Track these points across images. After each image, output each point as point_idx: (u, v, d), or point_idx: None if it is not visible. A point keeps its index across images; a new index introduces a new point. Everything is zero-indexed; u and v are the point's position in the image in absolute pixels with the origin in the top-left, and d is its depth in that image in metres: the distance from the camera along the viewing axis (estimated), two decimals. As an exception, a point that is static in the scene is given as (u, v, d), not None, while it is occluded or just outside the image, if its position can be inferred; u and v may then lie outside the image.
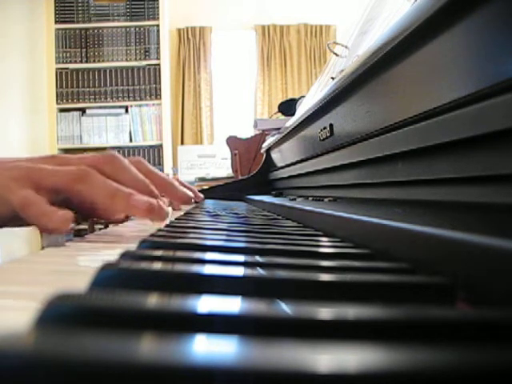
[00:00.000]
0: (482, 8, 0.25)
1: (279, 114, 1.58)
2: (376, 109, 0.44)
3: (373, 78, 0.43)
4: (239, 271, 0.18)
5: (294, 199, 0.74)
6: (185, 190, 0.50)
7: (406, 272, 0.21)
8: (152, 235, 0.34)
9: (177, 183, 0.50)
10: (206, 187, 1.44)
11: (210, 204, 1.02)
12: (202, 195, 0.64)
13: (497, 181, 0.26)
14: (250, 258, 0.22)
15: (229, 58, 4.16)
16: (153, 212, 0.39)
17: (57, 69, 3.35)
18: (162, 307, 0.12)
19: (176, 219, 0.53)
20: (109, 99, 3.39)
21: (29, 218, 0.37)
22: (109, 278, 0.17)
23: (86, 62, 3.39)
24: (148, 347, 0.09)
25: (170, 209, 0.68)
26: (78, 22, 3.37)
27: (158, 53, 3.40)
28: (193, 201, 0.52)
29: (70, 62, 3.38)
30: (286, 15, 4.01)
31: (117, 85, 3.39)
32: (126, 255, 0.22)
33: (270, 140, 1.21)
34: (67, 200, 0.42)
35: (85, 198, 0.40)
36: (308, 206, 0.49)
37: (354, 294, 0.17)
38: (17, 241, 2.81)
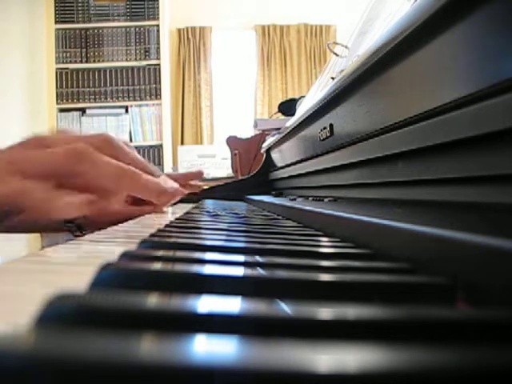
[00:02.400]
0: (482, 8, 0.25)
1: (279, 114, 1.58)
2: (376, 109, 0.44)
3: (373, 78, 0.43)
4: (239, 271, 0.18)
5: (294, 199, 0.74)
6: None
7: (407, 272, 0.21)
8: (152, 235, 0.34)
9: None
10: (206, 187, 1.43)
11: (209, 204, 1.02)
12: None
13: (497, 181, 0.26)
14: (249, 258, 0.22)
15: (229, 58, 4.16)
16: (163, 195, 0.36)
17: (57, 69, 3.35)
18: (162, 307, 0.12)
19: (176, 219, 0.53)
20: (109, 99, 3.39)
21: (28, 207, 0.32)
22: (109, 277, 0.17)
23: (86, 61, 3.39)
24: (148, 347, 0.09)
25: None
26: (78, 22, 3.38)
27: (158, 53, 3.40)
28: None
29: (70, 62, 3.38)
30: (286, 15, 4.01)
31: (117, 85, 3.39)
32: (126, 255, 0.22)
33: (270, 140, 1.21)
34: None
35: (87, 180, 0.34)
36: (308, 206, 0.49)
37: (354, 293, 0.17)
38: (17, 241, 2.81)
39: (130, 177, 0.35)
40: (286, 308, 0.12)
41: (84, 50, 3.39)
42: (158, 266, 0.19)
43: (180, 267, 0.18)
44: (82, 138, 0.36)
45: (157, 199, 0.36)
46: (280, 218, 0.60)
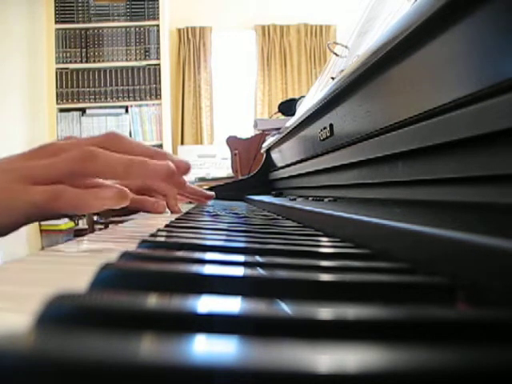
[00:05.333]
0: (482, 8, 0.25)
1: (279, 114, 1.58)
2: (376, 109, 0.44)
3: (373, 78, 0.43)
4: (239, 271, 0.18)
5: (294, 199, 0.74)
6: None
7: (406, 272, 0.21)
8: (152, 235, 0.34)
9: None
10: (206, 187, 1.43)
11: (210, 204, 1.02)
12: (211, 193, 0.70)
13: (497, 181, 0.26)
14: (249, 258, 0.22)
15: (229, 57, 4.16)
16: (173, 176, 0.38)
17: (57, 69, 3.35)
18: (162, 307, 0.12)
19: (176, 219, 0.53)
20: (109, 99, 3.39)
21: (62, 206, 0.36)
22: (109, 277, 0.17)
23: (86, 62, 3.39)
24: (148, 347, 0.09)
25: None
26: (78, 22, 3.38)
27: (158, 53, 3.40)
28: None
29: (70, 62, 3.38)
30: (286, 15, 4.01)
31: (117, 85, 3.39)
32: (125, 255, 0.22)
33: (270, 140, 1.21)
34: None
35: (99, 177, 0.38)
36: (308, 206, 0.49)
37: (354, 293, 0.17)
38: (17, 241, 2.81)
39: (138, 164, 0.37)
40: (286, 308, 0.12)
41: (84, 50, 3.39)
42: (157, 266, 0.19)
43: (180, 267, 0.18)
44: (90, 140, 0.40)
45: (170, 180, 0.39)
46: (280, 218, 0.60)
